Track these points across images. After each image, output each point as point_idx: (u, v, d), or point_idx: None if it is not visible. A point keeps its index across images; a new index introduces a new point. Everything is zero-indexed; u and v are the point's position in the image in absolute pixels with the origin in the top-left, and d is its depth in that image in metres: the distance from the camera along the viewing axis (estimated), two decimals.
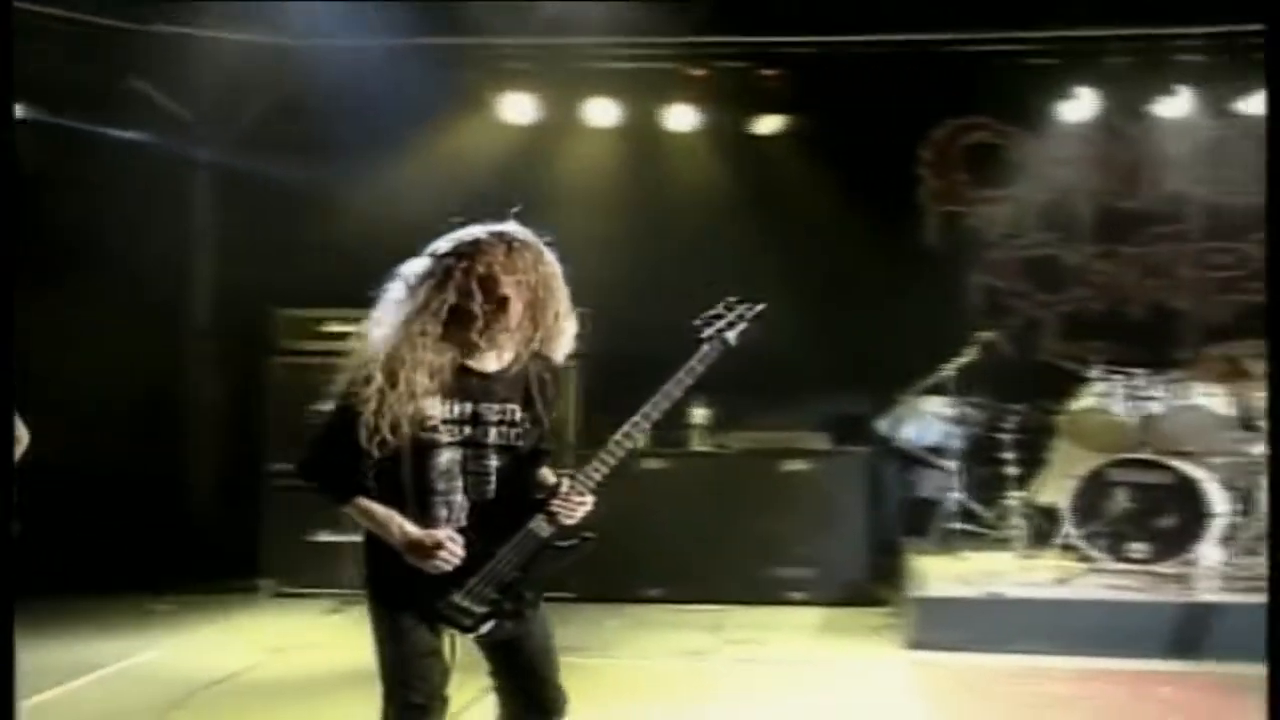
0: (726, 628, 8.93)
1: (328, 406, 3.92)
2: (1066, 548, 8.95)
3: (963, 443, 10.02)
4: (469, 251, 3.91)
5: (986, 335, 9.90)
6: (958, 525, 9.86)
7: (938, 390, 10.07)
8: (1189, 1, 9.79)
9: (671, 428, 9.40)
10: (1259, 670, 7.38)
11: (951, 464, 9.97)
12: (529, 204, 10.58)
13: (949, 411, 10.10)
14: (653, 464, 9.64)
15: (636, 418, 4.04)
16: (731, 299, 4.27)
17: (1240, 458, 8.92)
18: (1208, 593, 8.13)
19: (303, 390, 10.79)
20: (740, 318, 4.23)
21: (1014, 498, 9.65)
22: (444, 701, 3.98)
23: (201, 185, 11.07)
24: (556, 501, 3.92)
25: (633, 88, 10.82)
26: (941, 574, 8.96)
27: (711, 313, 4.23)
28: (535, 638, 4.06)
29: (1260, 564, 8.44)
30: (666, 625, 8.99)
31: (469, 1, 9.99)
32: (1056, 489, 9.31)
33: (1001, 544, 9.60)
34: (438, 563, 3.77)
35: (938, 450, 10.29)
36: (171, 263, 10.82)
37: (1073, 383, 9.65)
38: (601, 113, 10.85)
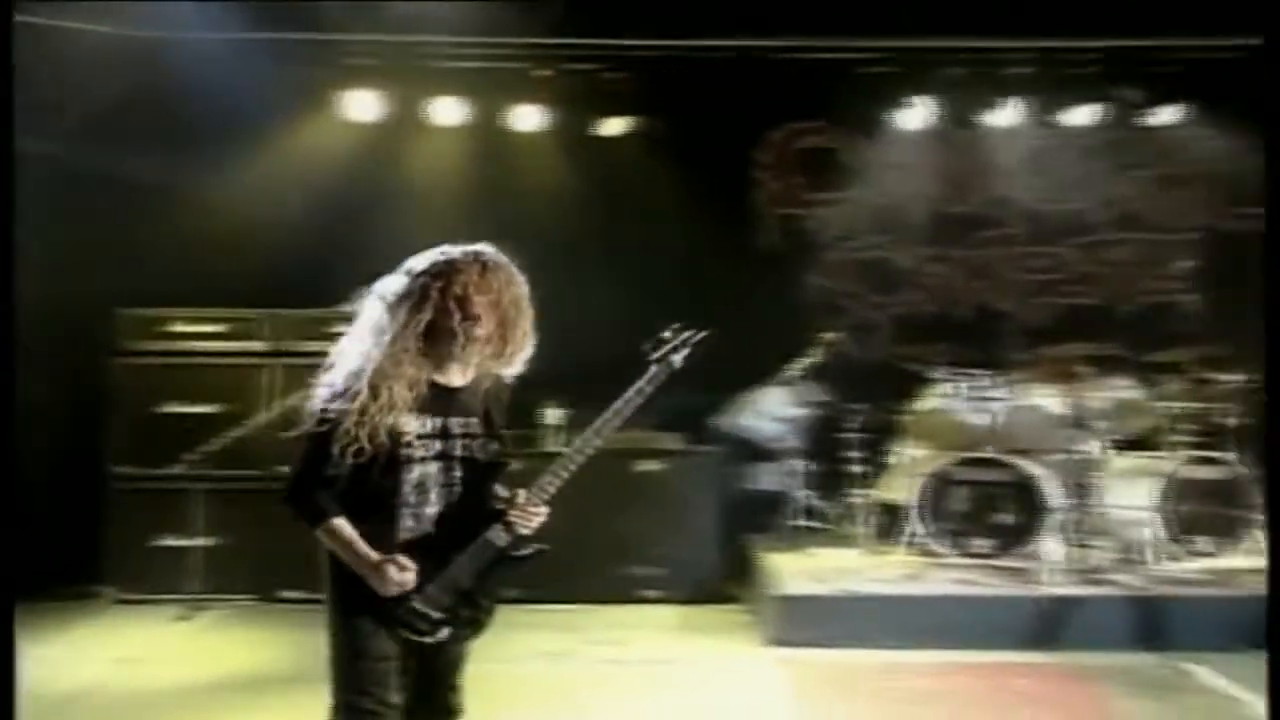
0: (586, 628, 8.95)
1: (306, 428, 3.99)
2: (913, 544, 9.20)
3: (807, 441, 10.24)
4: (446, 271, 4.04)
5: (830, 336, 10.13)
6: (803, 523, 10.09)
7: (782, 388, 10.28)
8: (1022, 17, 10.19)
9: (524, 428, 9.38)
10: (1104, 659, 7.85)
11: (797, 462, 10.17)
12: (376, 201, 10.52)
13: (792, 410, 10.32)
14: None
15: (588, 433, 4.26)
16: (677, 325, 4.50)
17: (1074, 455, 9.32)
18: (1051, 586, 8.47)
19: (144, 391, 10.54)
20: (685, 343, 4.47)
21: (859, 495, 9.92)
22: (395, 709, 4.04)
23: (36, 179, 10.66)
24: (514, 512, 4.10)
25: (479, 87, 10.82)
26: (794, 571, 9.10)
27: (659, 337, 4.44)
28: (458, 644, 4.18)
29: (1094, 556, 8.88)
30: (525, 626, 8.93)
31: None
32: (902, 487, 9.54)
33: (846, 541, 9.87)
34: (392, 587, 3.89)
35: (781, 447, 10.46)
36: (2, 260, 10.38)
37: (916, 384, 9.99)
38: (448, 111, 10.84)
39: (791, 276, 11.68)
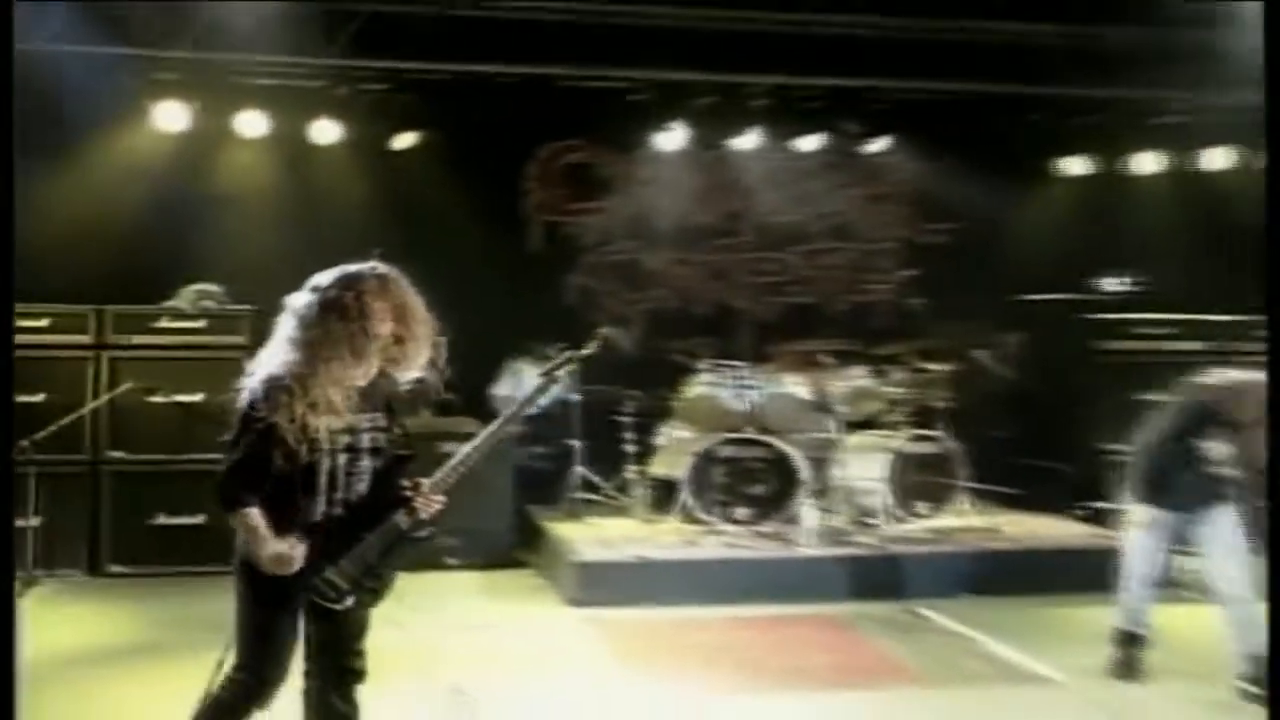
0: (406, 594, 9.23)
1: (234, 431, 4.24)
2: (685, 514, 9.78)
3: (585, 423, 10.77)
4: (353, 285, 4.31)
5: (605, 331, 10.66)
6: (582, 495, 10.65)
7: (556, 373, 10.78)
8: (761, 57, 10.99)
9: None
10: (855, 608, 8.65)
11: (575, 442, 10.73)
12: (189, 207, 10.62)
13: (562, 394, 10.77)
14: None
15: (489, 430, 4.60)
16: (562, 345, 5.18)
17: (817, 435, 10.19)
18: (807, 547, 9.28)
19: None
20: (568, 360, 5.01)
21: (633, 471, 10.57)
22: (285, 676, 4.38)
23: None
24: (419, 499, 4.42)
25: (283, 102, 10.96)
26: (583, 539, 9.56)
27: (547, 356, 5.03)
28: (361, 611, 4.49)
29: (837, 521, 9.74)
30: None
31: (129, 8, 9.86)
32: (673, 464, 10.19)
33: (621, 512, 10.49)
34: (288, 570, 4.21)
35: (559, 427, 10.90)
36: None
37: (682, 373, 10.64)
38: (253, 124, 10.93)
39: (556, 276, 12.32)
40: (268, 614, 4.30)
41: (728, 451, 9.84)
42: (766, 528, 9.66)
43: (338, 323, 4.25)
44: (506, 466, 10.35)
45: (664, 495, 10.20)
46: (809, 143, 12.11)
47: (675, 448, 10.36)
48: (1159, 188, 12.55)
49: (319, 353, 4.24)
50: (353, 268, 4.38)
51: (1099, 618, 7.34)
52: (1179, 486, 6.76)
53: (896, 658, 7.61)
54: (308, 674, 4.51)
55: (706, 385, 10.39)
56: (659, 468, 10.46)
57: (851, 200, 12.83)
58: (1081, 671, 7.05)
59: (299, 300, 4.38)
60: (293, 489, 4.25)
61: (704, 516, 9.73)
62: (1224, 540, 6.71)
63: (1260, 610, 6.34)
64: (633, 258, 12.57)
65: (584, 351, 10.30)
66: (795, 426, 10.19)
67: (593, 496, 10.67)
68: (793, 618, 8.56)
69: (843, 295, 12.83)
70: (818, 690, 6.89)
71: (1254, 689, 6.39)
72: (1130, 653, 6.94)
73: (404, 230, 11.01)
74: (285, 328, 4.36)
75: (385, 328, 4.32)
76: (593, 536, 9.73)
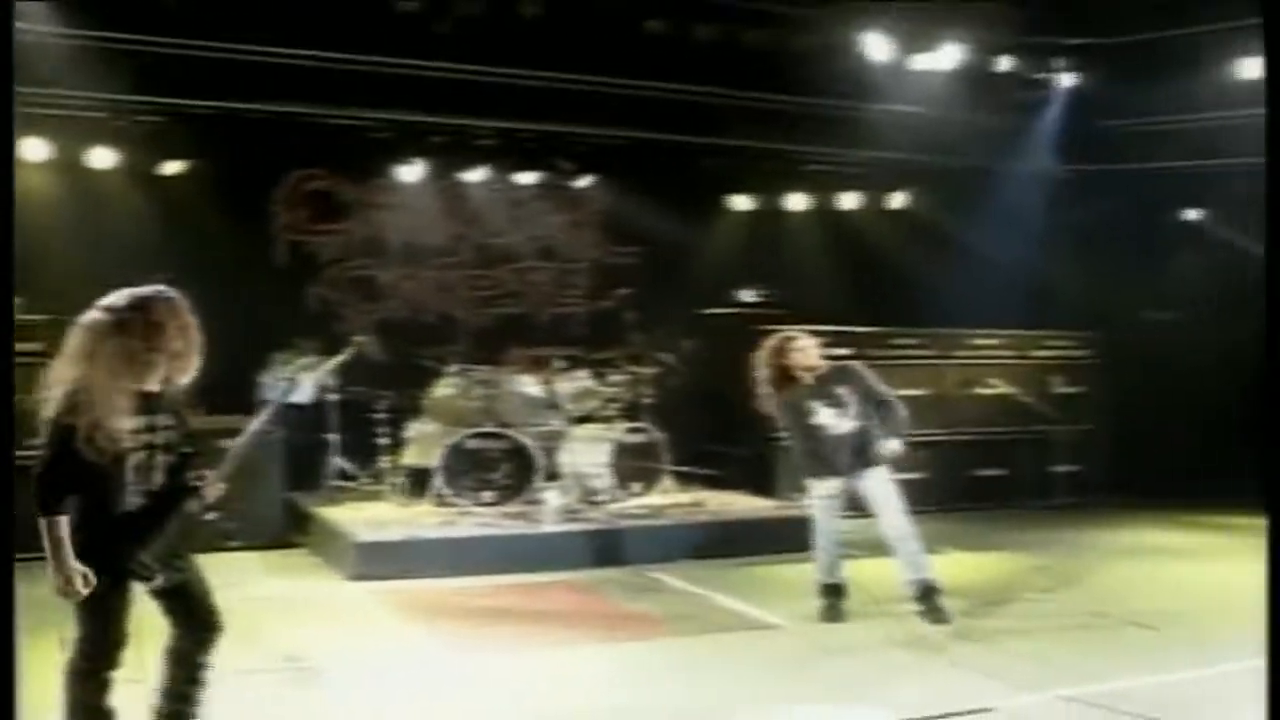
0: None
1: (44, 439, 4.41)
2: (438, 498, 10.16)
3: (341, 418, 11.07)
4: (142, 305, 4.56)
5: (359, 339, 11.02)
6: (340, 483, 10.96)
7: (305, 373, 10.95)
8: (488, 103, 11.62)
9: None
10: (597, 575, 9.30)
11: (333, 436, 11.01)
12: None
13: (315, 393, 10.99)
14: None
15: (252, 427, 5.23)
16: (311, 349, 5.63)
17: (548, 428, 10.81)
18: (551, 524, 9.88)
19: None
20: (313, 364, 5.60)
21: (386, 462, 10.96)
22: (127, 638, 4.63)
23: None
24: (206, 488, 4.76)
25: (65, 131, 10.82)
26: (354, 521, 9.78)
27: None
28: (198, 578, 4.82)
29: (569, 501, 10.38)
30: None
31: None
32: (424, 455, 10.61)
33: (376, 497, 10.84)
34: (70, 596, 4.39)
35: (320, 420, 11.12)
36: None
37: (431, 376, 11.08)
38: (36, 150, 10.76)
39: (301, 289, 12.55)
40: (97, 593, 4.44)
41: (473, 444, 10.24)
42: (510, 508, 10.11)
43: (128, 340, 4.48)
44: (275, 457, 10.44)
45: (417, 483, 10.55)
46: (523, 177, 12.81)
47: (425, 440, 10.75)
48: (806, 222, 13.98)
49: (112, 365, 4.44)
50: (142, 291, 4.59)
51: (799, 573, 8.18)
52: (832, 458, 7.65)
53: (644, 613, 8.16)
54: (172, 635, 4.78)
55: (451, 386, 10.87)
56: (411, 458, 10.78)
57: (555, 226, 13.61)
58: (798, 618, 7.80)
59: (91, 318, 4.55)
60: (103, 484, 4.46)
61: (455, 500, 10.10)
62: (879, 495, 7.63)
63: (918, 545, 7.57)
64: (368, 273, 12.92)
65: (339, 357, 10.71)
66: (529, 421, 10.67)
67: (349, 484, 10.93)
68: (546, 584, 8.98)
69: (546, 307, 13.60)
70: (585, 643, 7.32)
71: (926, 610, 7.52)
72: (832, 600, 7.77)
73: (172, 246, 11.08)
74: (81, 342, 4.50)
75: (176, 344, 4.58)
76: (361, 519, 9.91)
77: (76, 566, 4.34)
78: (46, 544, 4.32)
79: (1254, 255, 12.30)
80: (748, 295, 13.05)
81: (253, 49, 10.35)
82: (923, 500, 11.29)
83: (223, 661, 4.88)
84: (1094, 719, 5.86)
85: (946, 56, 12.33)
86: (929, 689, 6.27)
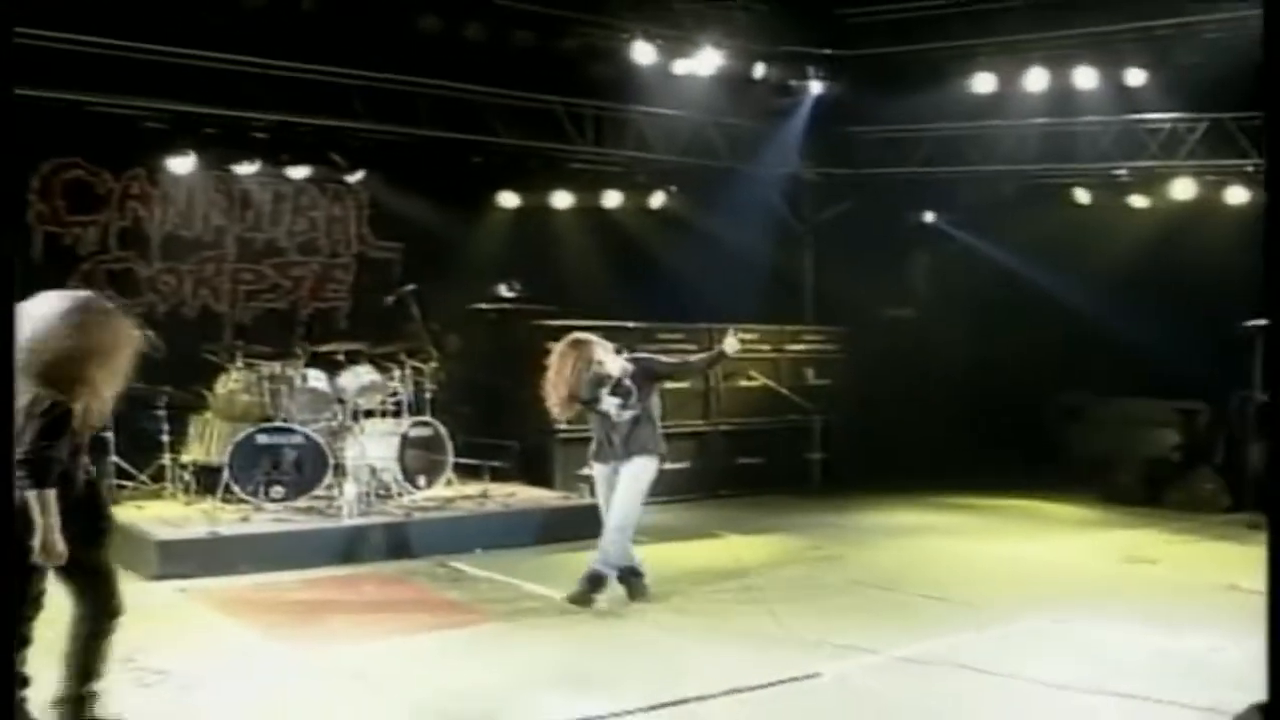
0: None
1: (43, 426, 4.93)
2: (227, 495, 10.20)
3: (119, 417, 10.89)
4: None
5: (146, 333, 10.88)
6: (119, 482, 10.83)
7: None
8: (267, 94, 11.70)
9: None
10: (400, 565, 9.71)
11: (108, 433, 10.84)
12: None
13: None
14: None
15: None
16: None
17: (335, 423, 10.97)
18: (349, 517, 10.14)
19: None
20: None
21: (169, 459, 10.92)
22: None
23: None
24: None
25: None
26: (146, 519, 9.83)
27: None
28: (106, 561, 5.37)
29: (359, 495, 10.65)
30: None
31: None
32: (211, 450, 10.67)
33: (157, 495, 10.81)
34: (56, 560, 4.97)
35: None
36: None
37: (216, 370, 11.12)
38: None
39: (56, 284, 12.20)
40: (29, 580, 4.95)
41: (262, 439, 10.42)
42: (302, 503, 10.38)
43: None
44: None
45: (202, 480, 10.62)
46: (290, 171, 12.92)
47: (211, 436, 10.84)
48: (571, 219, 14.65)
49: (122, 365, 5.38)
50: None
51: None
52: (611, 445, 8.40)
53: (457, 601, 8.61)
54: (79, 618, 5.25)
55: (236, 381, 10.95)
56: (195, 455, 10.85)
57: (320, 220, 13.77)
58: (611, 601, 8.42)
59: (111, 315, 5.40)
60: (67, 470, 5.07)
61: (245, 496, 10.23)
62: (622, 481, 8.29)
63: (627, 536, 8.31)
64: (126, 266, 12.74)
65: None
66: (315, 416, 10.90)
67: (128, 483, 10.85)
68: (355, 576, 9.32)
69: (310, 302, 13.75)
70: (414, 631, 7.73)
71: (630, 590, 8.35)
72: (593, 587, 8.30)
73: None
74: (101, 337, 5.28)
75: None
76: (152, 517, 9.98)
77: (59, 535, 4.81)
78: (41, 514, 4.77)
79: (981, 255, 13.82)
80: (513, 291, 13.57)
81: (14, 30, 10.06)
82: (689, 488, 12.31)
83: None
84: (935, 675, 6.72)
85: (706, 62, 13.18)
86: (759, 659, 6.98)
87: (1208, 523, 11.66)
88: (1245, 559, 9.85)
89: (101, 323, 5.25)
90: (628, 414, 8.32)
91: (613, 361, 8.36)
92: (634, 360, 8.55)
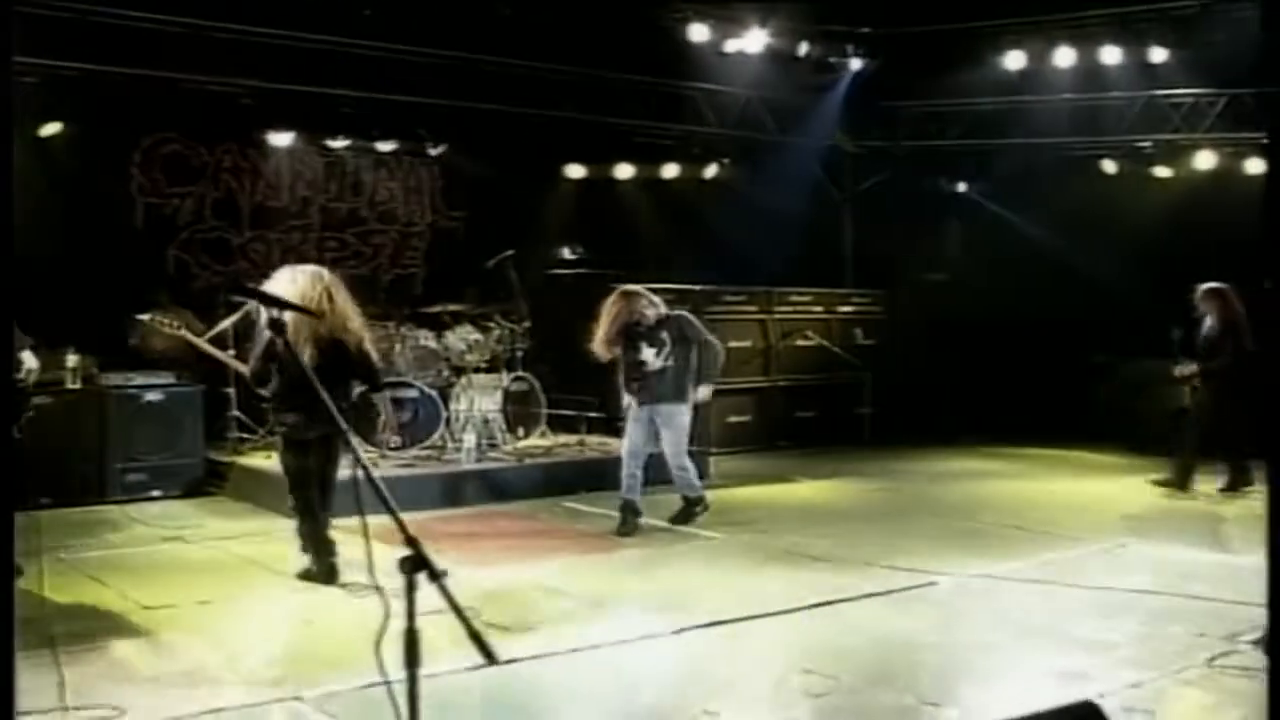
0: (148, 520, 10.44)
1: None
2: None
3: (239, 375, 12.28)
4: None
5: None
6: (241, 435, 12.26)
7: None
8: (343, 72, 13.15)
9: (50, 370, 10.65)
10: (522, 505, 11.14)
11: (230, 389, 12.17)
12: None
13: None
14: (41, 399, 10.74)
15: None
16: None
17: (446, 377, 12.37)
18: (469, 463, 11.57)
19: None
20: None
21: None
22: None
23: None
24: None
25: None
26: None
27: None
28: None
29: (475, 443, 12.08)
30: (111, 523, 10.36)
31: None
32: None
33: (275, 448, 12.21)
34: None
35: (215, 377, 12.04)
36: None
37: None
38: None
39: (156, 251, 13.69)
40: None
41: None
42: (420, 451, 11.83)
43: None
44: (194, 414, 11.69)
45: None
46: (370, 144, 14.42)
47: None
48: (631, 188, 16.24)
49: None
50: None
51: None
52: (645, 388, 9.99)
53: (589, 531, 10.16)
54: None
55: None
56: None
57: (397, 191, 15.26)
58: (726, 530, 10.12)
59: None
60: None
61: (366, 446, 11.67)
62: (671, 424, 10.00)
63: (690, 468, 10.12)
64: (219, 235, 14.16)
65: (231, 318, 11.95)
66: (425, 372, 12.30)
67: (249, 436, 12.24)
68: (484, 513, 10.77)
69: (390, 268, 15.24)
70: (567, 554, 9.23)
71: (682, 515, 10.07)
72: (626, 516, 9.99)
73: (47, 206, 12.03)
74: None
75: None
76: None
77: None
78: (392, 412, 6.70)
79: (1013, 224, 15.44)
80: (575, 254, 15.12)
81: (111, 11, 11.47)
82: (751, 440, 13.89)
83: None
84: (1031, 586, 8.38)
85: (754, 40, 14.76)
86: (878, 574, 8.68)
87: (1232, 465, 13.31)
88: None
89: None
90: (659, 364, 9.93)
91: (652, 313, 9.96)
92: (670, 317, 10.13)
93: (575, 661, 6.56)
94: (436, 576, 3.55)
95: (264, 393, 8.31)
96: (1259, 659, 6.19)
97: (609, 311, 10.00)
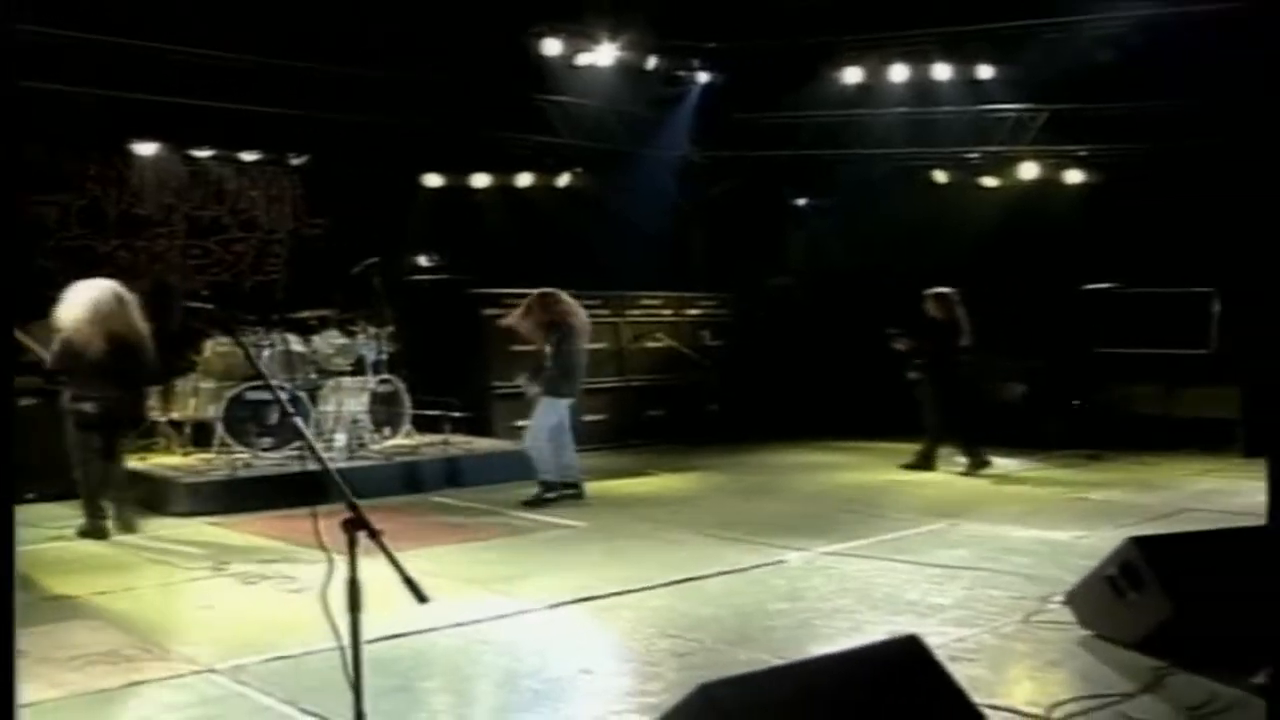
0: (31, 522, 10.59)
1: None
2: (223, 445, 12.08)
3: None
4: None
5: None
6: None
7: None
8: (213, 84, 13.64)
9: None
10: (391, 500, 11.79)
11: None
12: None
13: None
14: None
15: None
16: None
17: (316, 379, 12.90)
18: (343, 460, 12.22)
19: None
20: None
21: (160, 416, 12.76)
22: None
23: None
24: None
25: None
26: (161, 467, 11.81)
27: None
28: None
29: (342, 442, 12.69)
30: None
31: None
32: (200, 407, 12.56)
33: (150, 449, 12.67)
34: None
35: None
36: None
37: (203, 336, 13.01)
38: None
39: (21, 258, 13.92)
40: None
41: (251, 395, 12.20)
42: (291, 451, 12.32)
43: None
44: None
45: (194, 434, 12.59)
46: (233, 154, 14.89)
47: (202, 394, 12.67)
48: (489, 198, 16.92)
49: None
50: None
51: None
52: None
53: (464, 523, 10.81)
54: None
55: (223, 344, 12.80)
56: (186, 411, 12.73)
57: (256, 200, 15.71)
58: (588, 518, 10.98)
59: None
60: None
61: (239, 446, 12.10)
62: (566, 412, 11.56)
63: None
64: (85, 243, 14.47)
65: None
66: (293, 375, 12.77)
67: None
68: (369, 508, 11.50)
69: (251, 275, 15.68)
70: (447, 543, 9.88)
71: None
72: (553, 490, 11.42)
73: None
74: None
75: None
76: (163, 465, 12.00)
77: None
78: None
79: (852, 230, 16.49)
80: (431, 261, 15.77)
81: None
82: (605, 437, 14.72)
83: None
84: (870, 561, 9.34)
85: (604, 54, 15.61)
86: (733, 552, 9.56)
87: (1052, 456, 14.56)
88: (1087, 480, 12.84)
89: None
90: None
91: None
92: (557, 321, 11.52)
93: (458, 635, 7.20)
94: (375, 535, 4.22)
95: (61, 381, 9.87)
96: (1067, 614, 7.13)
97: (535, 307, 11.53)
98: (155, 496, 11.49)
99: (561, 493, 11.66)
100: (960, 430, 13.43)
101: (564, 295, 11.82)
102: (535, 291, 11.88)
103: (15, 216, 3.20)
